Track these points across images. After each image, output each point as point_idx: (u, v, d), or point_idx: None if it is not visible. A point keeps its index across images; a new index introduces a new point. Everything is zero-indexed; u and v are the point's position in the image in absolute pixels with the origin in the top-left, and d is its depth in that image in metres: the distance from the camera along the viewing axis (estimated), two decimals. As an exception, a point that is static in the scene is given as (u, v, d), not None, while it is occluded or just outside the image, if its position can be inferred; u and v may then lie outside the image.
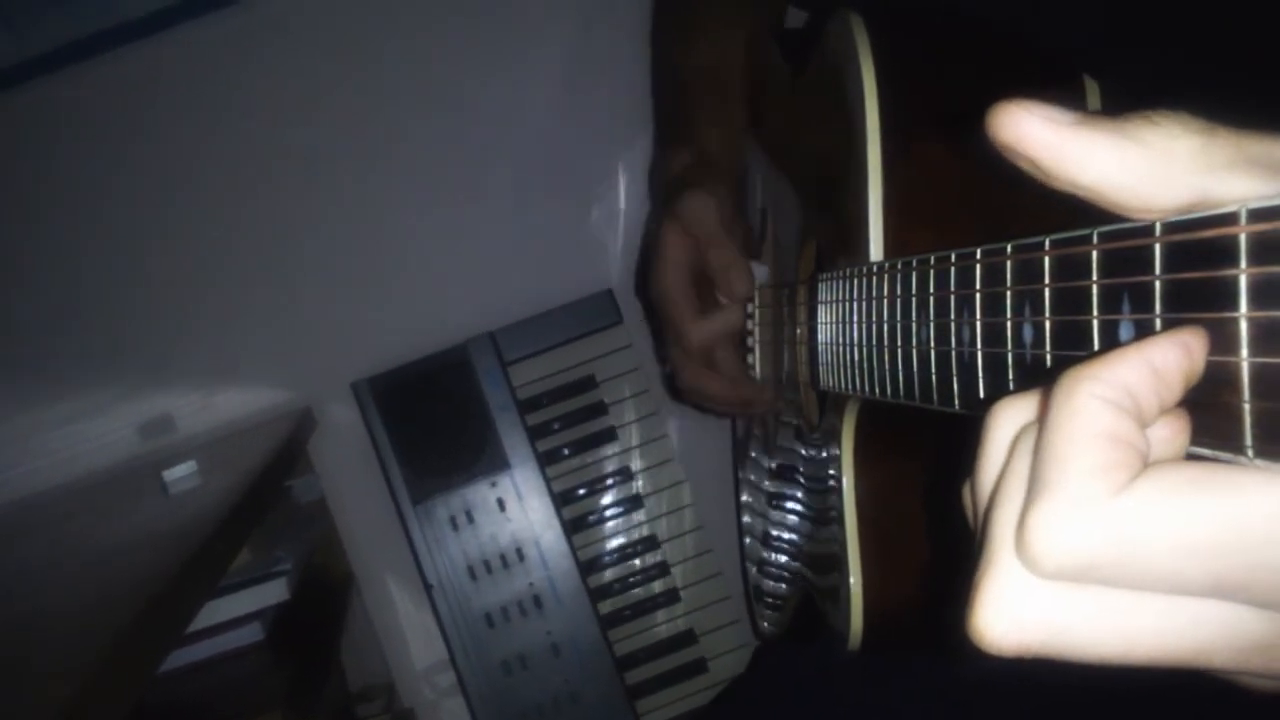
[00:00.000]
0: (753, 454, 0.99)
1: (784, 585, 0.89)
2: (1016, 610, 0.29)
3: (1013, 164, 0.31)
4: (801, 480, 0.80)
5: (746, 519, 1.05)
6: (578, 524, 1.41)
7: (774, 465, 0.90)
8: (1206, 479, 0.26)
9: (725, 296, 0.89)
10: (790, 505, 0.85)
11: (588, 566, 1.40)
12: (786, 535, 0.86)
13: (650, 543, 1.41)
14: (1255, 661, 0.28)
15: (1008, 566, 0.29)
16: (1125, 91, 0.57)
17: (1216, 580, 0.26)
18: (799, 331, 0.77)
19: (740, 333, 0.92)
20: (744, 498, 1.05)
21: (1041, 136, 0.30)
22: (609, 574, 1.41)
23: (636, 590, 1.41)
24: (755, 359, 0.95)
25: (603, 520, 1.42)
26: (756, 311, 0.94)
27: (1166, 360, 0.28)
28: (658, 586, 1.41)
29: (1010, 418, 0.31)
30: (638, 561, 1.42)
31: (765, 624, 0.97)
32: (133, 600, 0.64)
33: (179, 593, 0.69)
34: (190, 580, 0.72)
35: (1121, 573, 0.27)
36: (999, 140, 0.31)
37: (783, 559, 0.88)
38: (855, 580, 0.62)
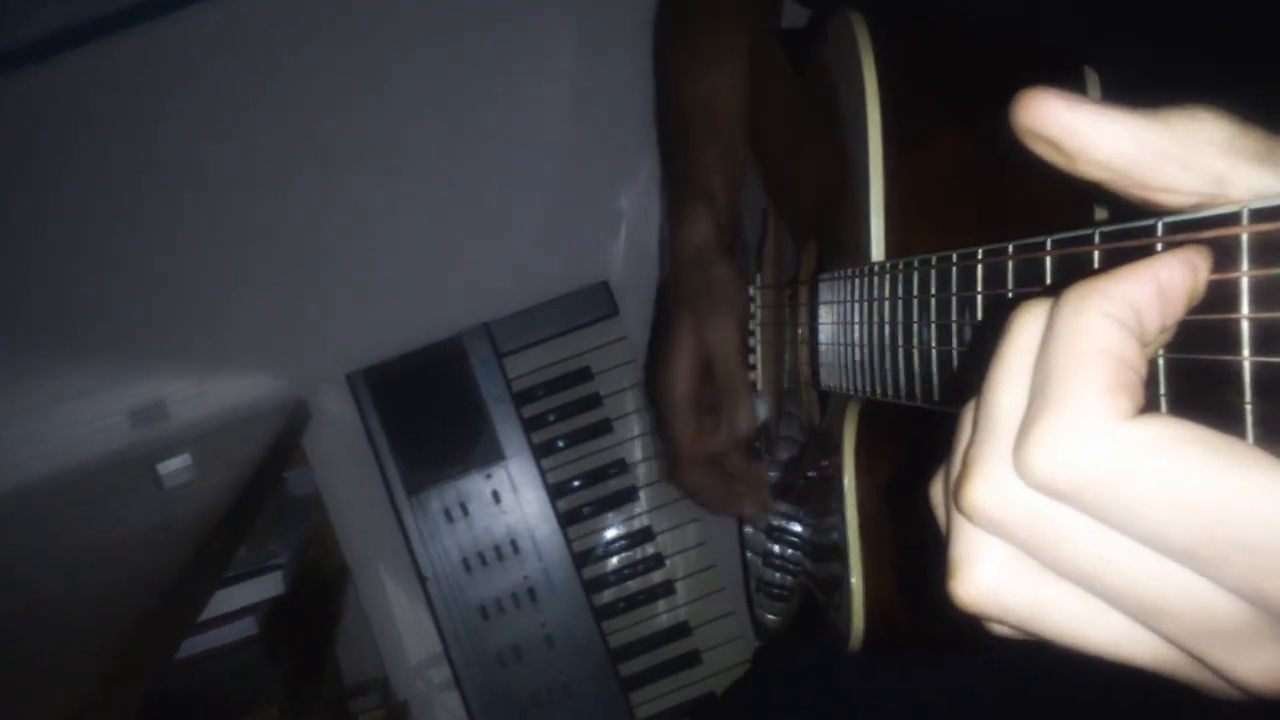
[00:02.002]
0: (757, 445, 0.99)
1: (786, 576, 0.89)
2: (1003, 494, 0.29)
3: (1034, 152, 0.31)
4: (804, 478, 0.80)
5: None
6: (573, 516, 1.41)
7: (778, 459, 0.90)
8: (1217, 443, 0.26)
9: (725, 427, 0.92)
10: (794, 499, 0.85)
11: (583, 558, 1.40)
12: (790, 527, 0.86)
13: (645, 535, 1.41)
14: (1216, 650, 0.27)
15: (999, 462, 0.29)
16: (1119, 90, 0.57)
17: (1192, 546, 0.26)
18: (800, 331, 0.77)
19: (736, 448, 0.95)
20: (739, 507, 1.05)
21: (1064, 117, 0.30)
22: (604, 566, 1.41)
23: (631, 582, 1.41)
24: (757, 359, 0.95)
25: (598, 512, 1.42)
26: (759, 311, 0.95)
27: (1173, 278, 0.28)
28: (652, 578, 1.41)
29: (1033, 326, 0.30)
30: (632, 553, 1.42)
31: (767, 615, 0.97)
32: (139, 598, 0.64)
33: (183, 592, 0.69)
34: (192, 580, 0.72)
35: (1104, 504, 0.27)
36: (1022, 125, 0.31)
37: (786, 551, 0.89)
38: (856, 580, 0.62)
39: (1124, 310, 0.28)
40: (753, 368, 0.96)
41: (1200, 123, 0.29)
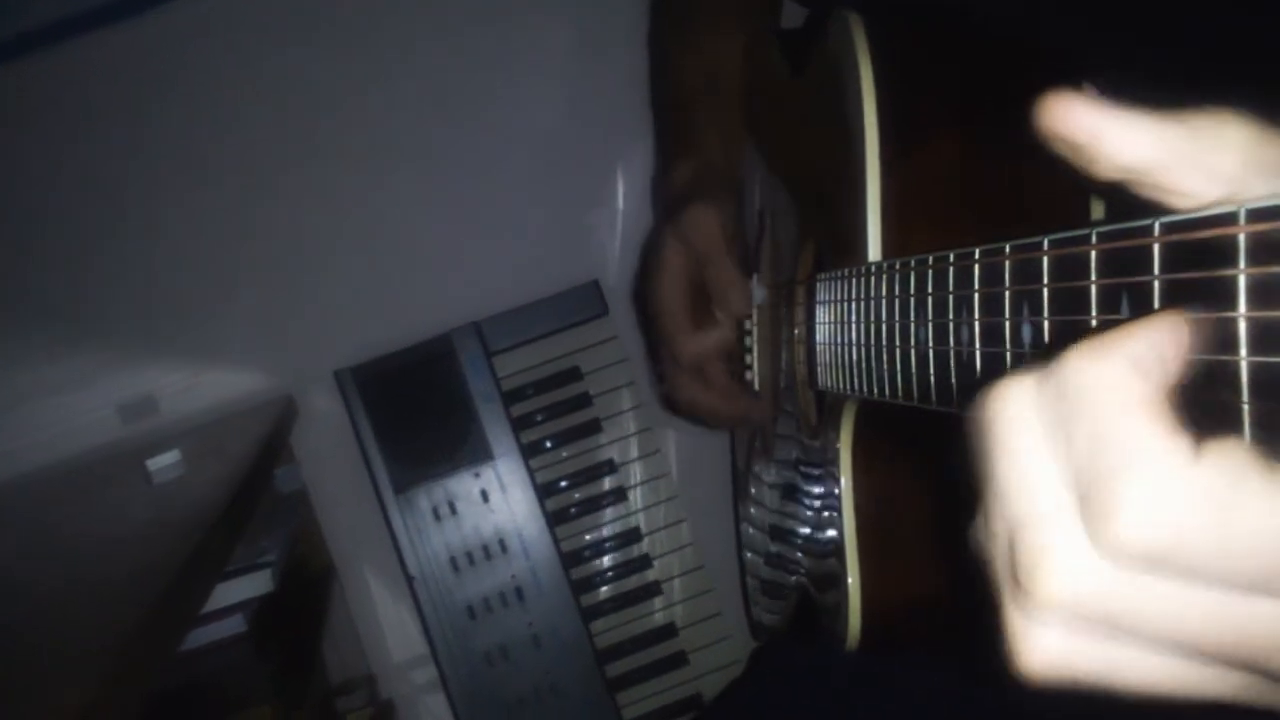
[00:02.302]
0: (755, 444, 0.99)
1: (784, 574, 0.89)
2: (1083, 579, 0.27)
3: (1054, 153, 0.31)
4: (802, 477, 0.80)
5: (752, 510, 1.06)
6: (561, 516, 1.40)
7: (776, 458, 0.90)
8: None
9: (722, 313, 0.89)
10: (792, 498, 0.85)
11: (570, 558, 1.40)
12: (789, 525, 0.86)
13: (633, 535, 1.41)
14: None
15: (1068, 547, 0.27)
16: (1118, 91, 0.57)
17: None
18: (797, 332, 0.77)
19: (735, 348, 0.93)
20: (749, 489, 1.05)
21: (1087, 120, 0.30)
22: (591, 566, 1.41)
23: (619, 583, 1.41)
24: (754, 359, 0.95)
25: (586, 512, 1.41)
26: (755, 312, 0.94)
27: (1166, 337, 0.28)
28: (640, 579, 1.41)
29: (1021, 406, 0.29)
30: (621, 554, 1.41)
31: (764, 614, 0.97)
32: (137, 596, 0.63)
33: (182, 589, 0.68)
34: (192, 576, 0.71)
35: (1206, 555, 0.25)
36: (1044, 127, 0.31)
37: (785, 550, 0.89)
38: (854, 580, 0.62)
39: (1145, 361, 0.27)
40: (749, 366, 0.96)
41: (1223, 129, 0.29)
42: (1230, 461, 0.25)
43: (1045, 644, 0.29)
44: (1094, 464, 0.27)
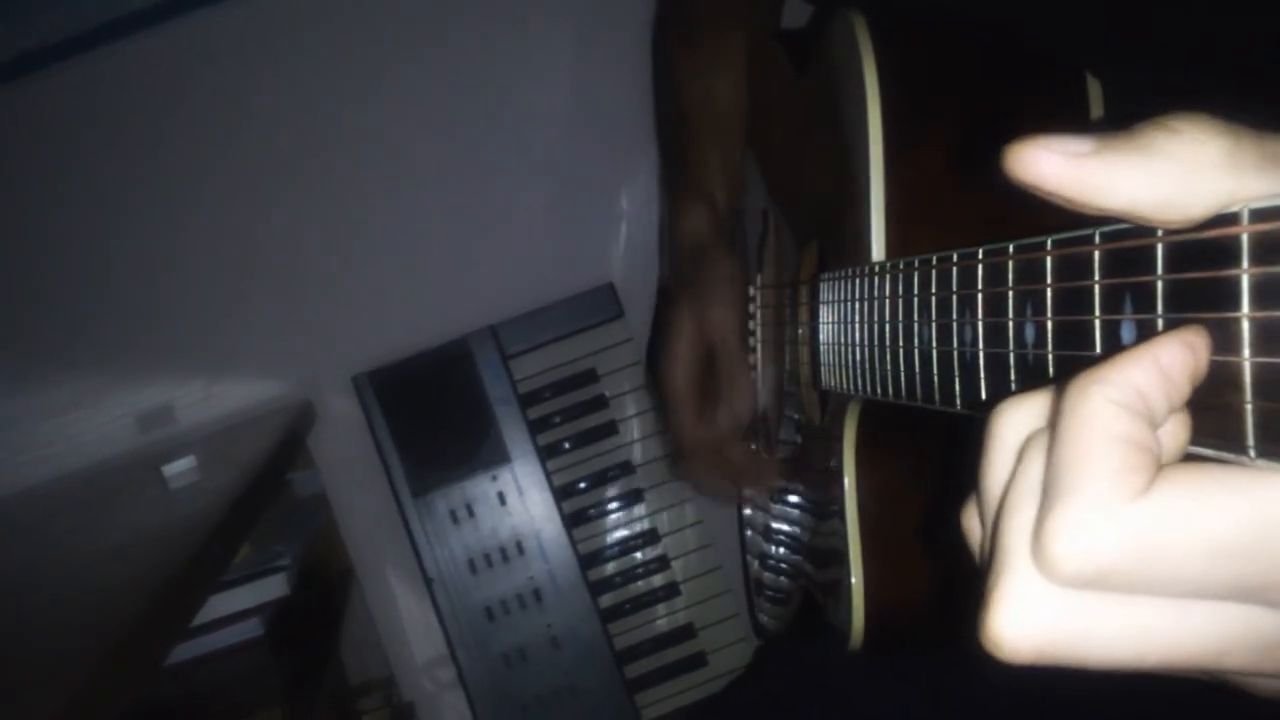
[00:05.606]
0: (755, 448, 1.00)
1: (785, 579, 0.89)
2: (1033, 616, 0.29)
3: (1038, 198, 0.31)
4: (804, 477, 0.80)
5: (748, 512, 1.06)
6: (578, 517, 1.41)
7: (779, 460, 0.90)
8: (1223, 479, 0.26)
9: (725, 412, 0.92)
10: (793, 500, 0.85)
11: (588, 560, 1.40)
12: (788, 529, 0.86)
13: (651, 536, 1.41)
14: (1268, 661, 0.28)
15: (1023, 573, 0.29)
16: (1122, 95, 0.57)
17: (1237, 580, 0.26)
18: (801, 331, 0.77)
19: (738, 432, 0.95)
20: (746, 491, 1.06)
21: (1063, 172, 0.29)
22: (609, 567, 1.41)
23: (637, 584, 1.41)
24: (757, 358, 0.95)
25: (603, 514, 1.42)
26: (759, 311, 0.95)
27: (1173, 360, 0.28)
28: (658, 580, 1.41)
29: (1015, 421, 0.31)
30: (638, 555, 1.42)
31: (765, 618, 0.97)
32: (134, 599, 0.64)
33: (180, 591, 0.69)
34: (191, 580, 0.72)
35: (1141, 578, 0.27)
36: (1019, 180, 0.30)
37: (784, 552, 0.89)
38: (857, 579, 0.62)
39: (1129, 396, 0.28)
40: (753, 367, 0.96)
41: (1197, 144, 0.28)
42: (1165, 496, 0.27)
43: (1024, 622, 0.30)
44: (1051, 489, 0.28)
